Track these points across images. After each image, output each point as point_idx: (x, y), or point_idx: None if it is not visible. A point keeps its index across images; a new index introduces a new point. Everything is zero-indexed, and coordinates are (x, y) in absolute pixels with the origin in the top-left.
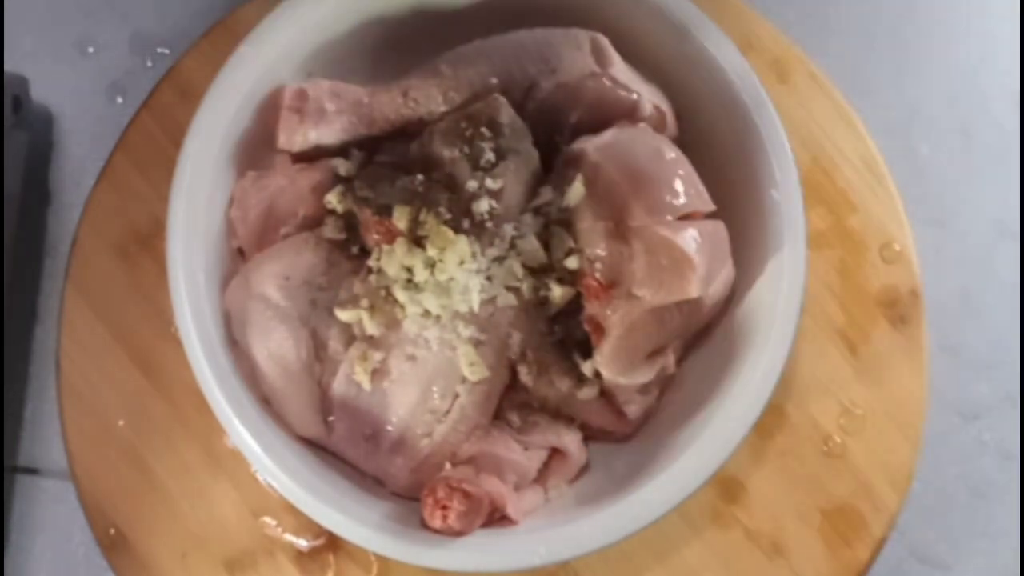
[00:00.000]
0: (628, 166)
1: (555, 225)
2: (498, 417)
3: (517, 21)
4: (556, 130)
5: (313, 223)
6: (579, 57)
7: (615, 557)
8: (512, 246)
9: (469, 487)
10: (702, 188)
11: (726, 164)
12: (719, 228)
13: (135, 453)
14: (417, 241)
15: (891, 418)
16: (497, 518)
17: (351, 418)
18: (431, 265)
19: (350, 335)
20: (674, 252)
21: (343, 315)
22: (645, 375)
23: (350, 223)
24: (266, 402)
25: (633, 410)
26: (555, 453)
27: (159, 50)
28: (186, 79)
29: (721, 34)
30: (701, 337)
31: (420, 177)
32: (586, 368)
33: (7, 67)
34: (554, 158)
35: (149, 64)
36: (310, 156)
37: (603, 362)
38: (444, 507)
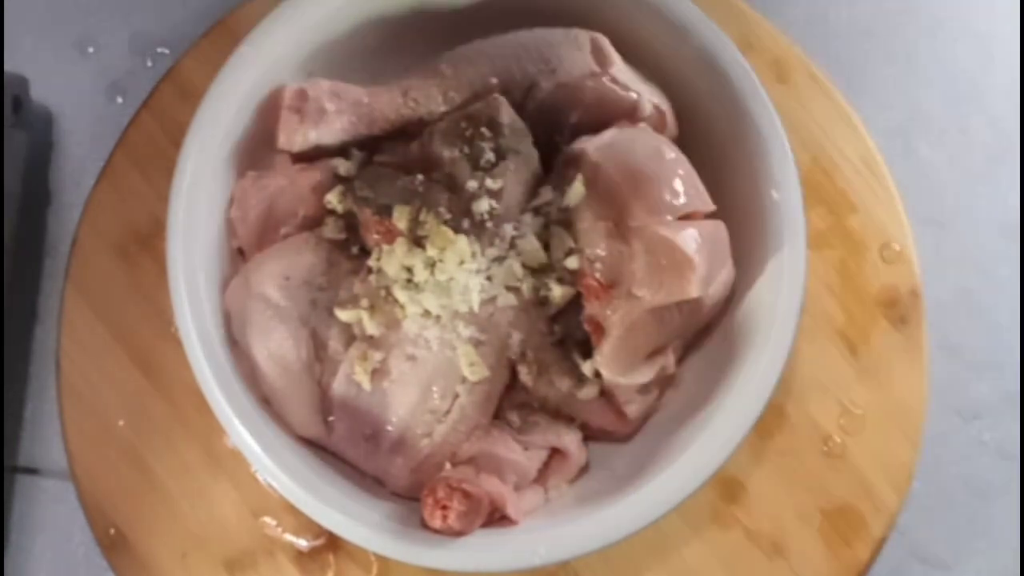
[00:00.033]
0: (628, 166)
1: (555, 225)
2: (498, 417)
3: (517, 21)
4: (556, 130)
5: (313, 223)
6: (579, 57)
7: (615, 557)
8: (512, 246)
9: (469, 487)
10: (702, 188)
11: (726, 164)
12: (719, 228)
13: (135, 453)
14: (417, 241)
15: (891, 418)
16: (497, 518)
17: (351, 418)
18: (431, 265)
19: (350, 335)
20: (674, 252)
21: (343, 315)
22: (645, 375)
23: (350, 223)
24: (266, 402)
25: (633, 410)
26: (555, 453)
27: (159, 50)
28: (186, 79)
29: (721, 34)
30: (701, 337)
31: (420, 177)
32: (586, 368)
33: (7, 67)
34: (554, 158)
35: (149, 64)
36: (310, 156)
37: (603, 362)
38: (444, 507)
